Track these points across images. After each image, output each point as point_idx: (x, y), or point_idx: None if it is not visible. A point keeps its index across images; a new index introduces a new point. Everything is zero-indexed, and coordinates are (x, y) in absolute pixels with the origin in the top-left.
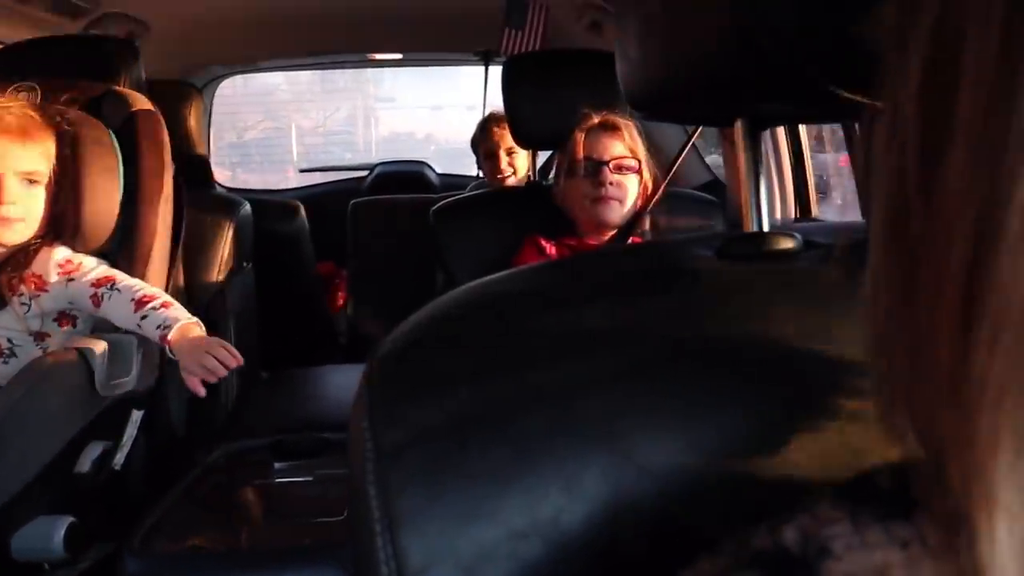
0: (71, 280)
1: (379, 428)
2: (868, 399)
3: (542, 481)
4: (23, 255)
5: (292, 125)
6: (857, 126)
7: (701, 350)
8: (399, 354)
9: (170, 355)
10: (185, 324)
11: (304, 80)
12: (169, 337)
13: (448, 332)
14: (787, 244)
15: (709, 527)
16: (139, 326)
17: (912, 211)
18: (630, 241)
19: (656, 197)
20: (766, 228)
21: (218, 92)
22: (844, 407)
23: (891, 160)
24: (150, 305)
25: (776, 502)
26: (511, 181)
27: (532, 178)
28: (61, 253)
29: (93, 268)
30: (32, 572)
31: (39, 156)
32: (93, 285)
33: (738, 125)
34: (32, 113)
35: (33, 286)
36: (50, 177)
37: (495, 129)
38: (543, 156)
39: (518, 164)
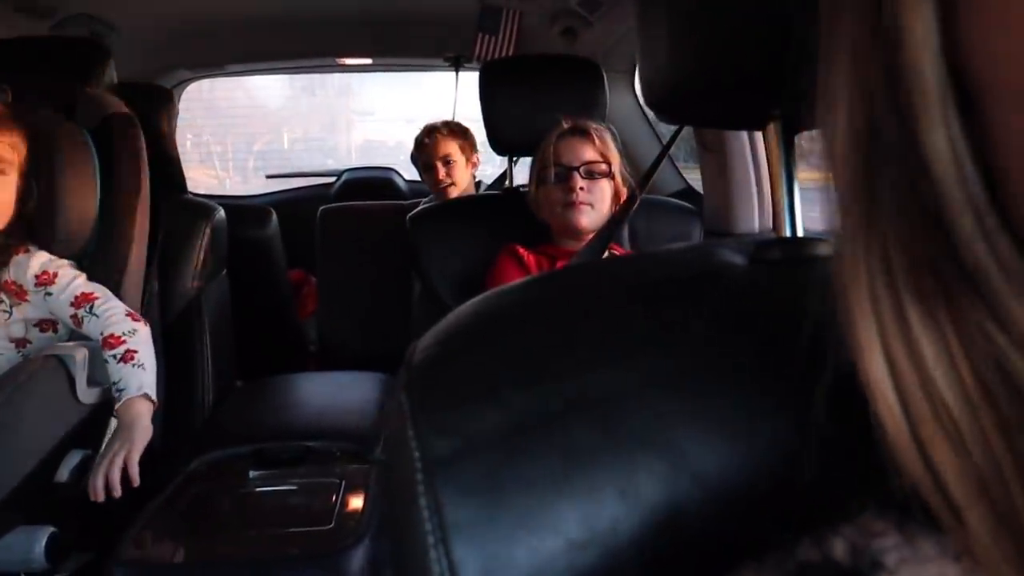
0: (48, 294)
1: (426, 438)
2: None
3: (596, 489)
4: None
5: (284, 134)
6: None
7: (745, 356)
8: (440, 361)
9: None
10: (131, 401)
11: (286, 93)
12: (116, 407)
13: (489, 339)
14: (821, 249)
15: (756, 536)
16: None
17: None
18: (608, 249)
19: (634, 206)
20: (800, 233)
21: (218, 101)
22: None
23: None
24: (114, 351)
25: (822, 513)
26: (453, 192)
27: (509, 185)
28: (37, 261)
29: (70, 282)
30: None
31: (5, 146)
32: (72, 304)
33: (772, 128)
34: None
35: (14, 294)
36: (20, 169)
37: (426, 140)
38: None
39: (457, 175)
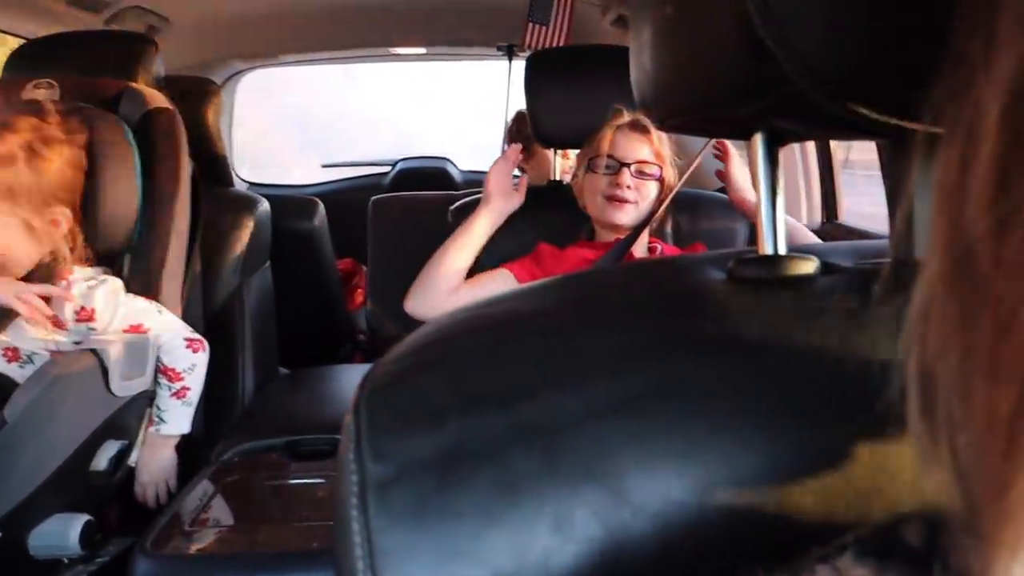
0: (92, 329)
1: (365, 461)
2: (879, 440)
3: (529, 520)
4: (42, 275)
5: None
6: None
7: (703, 384)
8: (388, 382)
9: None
10: (167, 438)
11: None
12: (151, 430)
13: (438, 360)
14: (804, 268)
15: (710, 571)
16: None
17: (981, 250)
18: (648, 244)
19: (666, 201)
20: (782, 250)
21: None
22: (853, 447)
23: (960, 193)
24: (170, 385)
25: (778, 546)
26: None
27: (553, 178)
28: (76, 292)
29: (111, 316)
30: (50, 569)
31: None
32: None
33: (756, 139)
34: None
35: (53, 326)
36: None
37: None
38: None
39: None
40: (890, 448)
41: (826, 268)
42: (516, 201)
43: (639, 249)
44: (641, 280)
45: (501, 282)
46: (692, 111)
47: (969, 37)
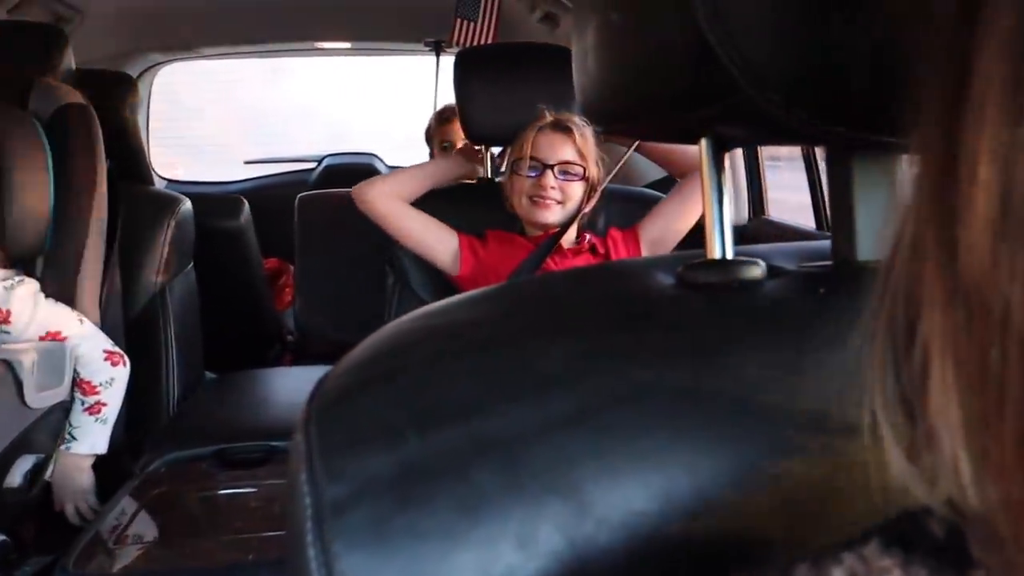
0: (6, 332)
1: (319, 482)
2: (837, 440)
3: (492, 537)
4: None
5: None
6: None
7: (661, 391)
8: (338, 398)
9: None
10: (78, 457)
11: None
12: (62, 448)
13: (388, 374)
14: (751, 273)
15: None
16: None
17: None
18: (576, 238)
19: (593, 199)
20: (730, 255)
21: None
22: (814, 450)
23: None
24: (84, 399)
25: (743, 555)
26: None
27: (485, 175)
28: None
29: (29, 319)
30: None
31: None
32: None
33: (702, 145)
34: None
35: None
36: None
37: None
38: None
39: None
40: (852, 448)
41: (772, 271)
42: (472, 168)
43: (567, 241)
44: (589, 287)
45: (444, 238)
46: (637, 116)
47: (944, 62)
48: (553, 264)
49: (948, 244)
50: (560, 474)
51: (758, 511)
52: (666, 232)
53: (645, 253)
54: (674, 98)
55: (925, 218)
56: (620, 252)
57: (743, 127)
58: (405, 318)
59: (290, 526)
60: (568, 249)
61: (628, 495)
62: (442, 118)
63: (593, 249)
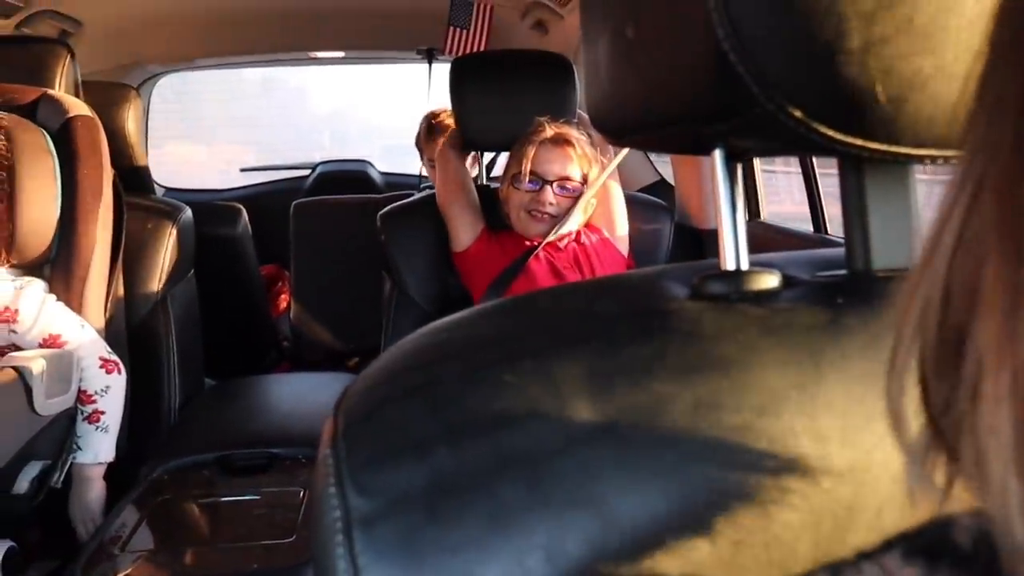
0: (13, 331)
1: (348, 495)
2: (858, 453)
3: (520, 551)
4: None
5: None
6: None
7: (681, 403)
8: (367, 413)
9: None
10: (86, 467)
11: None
12: (73, 461)
13: (416, 388)
14: (767, 283)
15: None
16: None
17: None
18: (574, 237)
19: (583, 199)
20: (744, 266)
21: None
22: (839, 466)
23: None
24: (83, 408)
25: (768, 565)
26: None
27: (480, 180)
28: (2, 291)
29: (34, 321)
30: None
31: None
32: (41, 345)
33: (715, 156)
34: None
35: None
36: None
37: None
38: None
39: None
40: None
41: (787, 281)
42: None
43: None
44: (605, 301)
45: (474, 218)
46: (652, 128)
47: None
48: (544, 255)
49: (1016, 247)
50: (585, 487)
51: (782, 524)
52: (604, 215)
53: (607, 236)
54: (691, 112)
55: (990, 219)
56: (592, 240)
57: (759, 139)
58: (425, 331)
59: (317, 538)
60: (556, 241)
61: (652, 507)
62: (430, 132)
63: (577, 240)
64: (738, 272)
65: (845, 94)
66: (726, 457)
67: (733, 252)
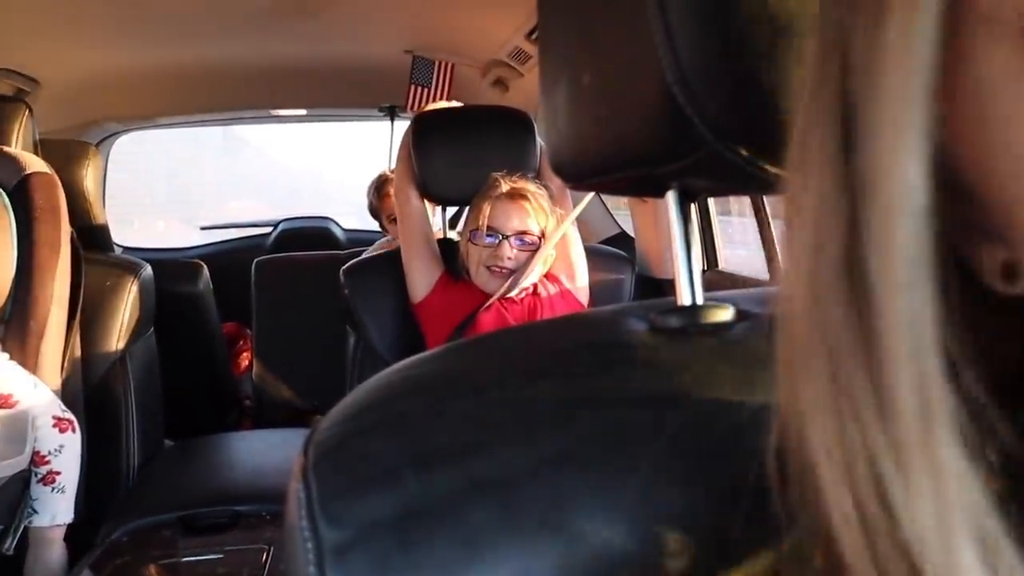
0: None
1: (320, 526)
2: None
3: (492, 575)
4: None
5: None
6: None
7: (642, 430)
8: (335, 446)
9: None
10: (42, 530)
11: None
12: (29, 525)
13: (382, 422)
14: (721, 316)
15: None
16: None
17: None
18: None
19: (542, 251)
20: (700, 301)
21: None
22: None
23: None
24: (36, 470)
25: None
26: None
27: (444, 234)
28: None
29: None
30: None
31: None
32: None
33: (669, 197)
34: None
35: None
36: None
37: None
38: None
39: None
40: None
41: (740, 315)
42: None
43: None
44: (567, 336)
45: (433, 264)
46: (609, 172)
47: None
48: (500, 308)
49: None
50: (554, 511)
51: (748, 549)
52: (564, 264)
53: (567, 285)
54: (645, 153)
55: None
56: (550, 292)
57: (709, 179)
58: (392, 369)
59: (290, 570)
60: (514, 296)
61: (620, 530)
62: (380, 194)
63: (534, 291)
64: (694, 307)
65: (787, 133)
66: (688, 481)
67: (688, 288)
